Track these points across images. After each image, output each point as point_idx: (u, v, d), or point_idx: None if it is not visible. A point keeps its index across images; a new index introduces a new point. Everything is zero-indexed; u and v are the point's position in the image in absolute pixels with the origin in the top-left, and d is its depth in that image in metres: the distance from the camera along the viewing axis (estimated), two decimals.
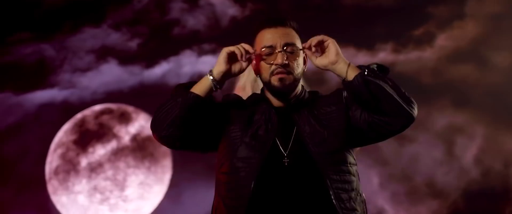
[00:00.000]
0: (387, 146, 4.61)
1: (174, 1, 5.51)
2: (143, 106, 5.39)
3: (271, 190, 1.98)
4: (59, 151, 5.33)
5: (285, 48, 2.06)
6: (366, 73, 1.97)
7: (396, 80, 2.01)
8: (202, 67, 5.28)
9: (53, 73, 5.60)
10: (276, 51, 2.06)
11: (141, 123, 5.33)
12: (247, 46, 2.07)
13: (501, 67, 4.76)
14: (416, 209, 4.73)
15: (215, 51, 5.29)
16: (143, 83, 5.40)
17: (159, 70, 5.39)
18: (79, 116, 5.43)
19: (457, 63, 4.86)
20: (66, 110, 5.48)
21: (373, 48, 4.98)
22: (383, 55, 4.91)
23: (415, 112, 2.02)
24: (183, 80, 5.30)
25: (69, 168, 5.24)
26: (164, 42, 5.51)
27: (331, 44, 2.03)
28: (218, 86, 2.06)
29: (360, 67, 2.03)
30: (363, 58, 4.87)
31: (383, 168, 4.73)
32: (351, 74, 1.98)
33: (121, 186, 5.17)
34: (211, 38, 5.36)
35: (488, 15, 4.85)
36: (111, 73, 5.48)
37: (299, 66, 2.10)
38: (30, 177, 5.43)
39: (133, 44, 5.54)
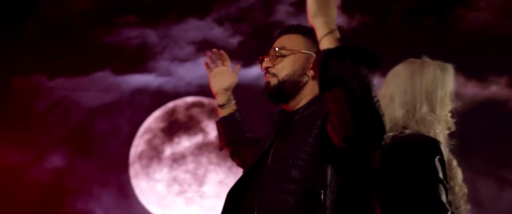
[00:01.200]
0: (485, 187, 4.27)
1: (281, 4, 5.43)
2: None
3: (228, 200, 1.84)
4: (146, 137, 5.40)
5: (276, 51, 1.92)
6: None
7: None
8: None
9: (152, 59, 5.69)
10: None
11: None
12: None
13: None
14: None
15: None
16: (238, 82, 5.34)
17: (256, 71, 5.32)
18: (170, 104, 5.48)
19: None
20: (159, 97, 5.56)
21: (485, 80, 4.66)
22: (496, 89, 4.59)
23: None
24: None
25: (153, 154, 5.30)
26: (265, 44, 5.41)
27: None
28: (222, 105, 2.35)
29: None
30: (472, 89, 4.55)
31: (478, 210, 4.39)
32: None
33: (200, 182, 5.16)
34: None
35: None
36: None
37: (285, 69, 1.88)
38: (115, 157, 5.55)
39: (234, 41, 5.53)
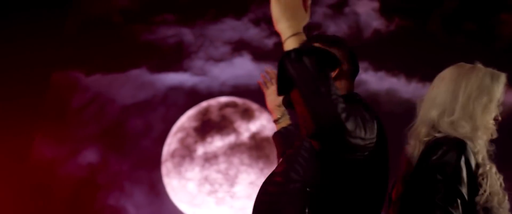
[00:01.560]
0: None
1: (319, 5, 5.41)
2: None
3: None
4: (179, 135, 5.43)
5: None
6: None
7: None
8: None
9: (188, 58, 5.74)
10: None
11: (262, 122, 5.30)
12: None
13: None
14: None
15: None
16: None
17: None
18: (204, 104, 5.51)
19: None
20: (192, 96, 5.60)
21: None
22: None
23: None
24: None
25: (185, 153, 5.32)
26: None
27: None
28: (276, 120, 2.54)
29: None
30: (510, 96, 4.42)
31: None
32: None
33: (231, 182, 5.16)
34: (351, 48, 5.18)
35: None
36: (243, 68, 5.50)
37: None
38: (147, 155, 5.61)
39: (270, 42, 5.53)
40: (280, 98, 2.28)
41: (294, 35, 1.61)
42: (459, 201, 1.77)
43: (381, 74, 5.03)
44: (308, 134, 1.50)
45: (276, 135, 2.50)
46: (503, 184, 1.89)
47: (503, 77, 1.98)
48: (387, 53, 4.68)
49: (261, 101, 5.37)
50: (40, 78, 5.72)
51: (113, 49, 5.79)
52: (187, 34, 5.79)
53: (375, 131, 1.62)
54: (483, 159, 1.86)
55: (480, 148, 1.87)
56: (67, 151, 5.64)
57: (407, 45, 4.79)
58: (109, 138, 5.70)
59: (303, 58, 1.54)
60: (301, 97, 1.50)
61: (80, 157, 5.64)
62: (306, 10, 1.67)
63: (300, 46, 1.58)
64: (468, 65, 2.02)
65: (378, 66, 5.03)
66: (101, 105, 5.80)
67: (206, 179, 5.23)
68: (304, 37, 1.61)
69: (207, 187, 5.22)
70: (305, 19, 1.66)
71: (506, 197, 1.85)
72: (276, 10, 1.61)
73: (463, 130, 1.86)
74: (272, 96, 2.57)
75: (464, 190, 1.77)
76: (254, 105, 5.41)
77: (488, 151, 1.94)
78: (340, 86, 1.79)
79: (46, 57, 5.65)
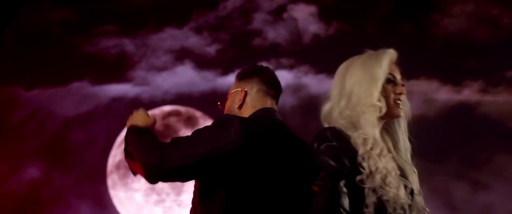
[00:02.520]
0: (458, 190, 4.36)
1: (258, 12, 5.55)
2: (211, 113, 5.41)
3: None
4: (123, 146, 5.42)
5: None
6: None
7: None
8: None
9: (130, 69, 5.77)
10: None
11: None
12: None
13: None
14: None
15: (293, 67, 5.27)
16: (215, 90, 5.44)
17: (233, 79, 5.39)
18: None
19: None
20: (136, 106, 5.57)
21: (460, 84, 4.79)
22: (468, 93, 4.72)
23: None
24: None
25: None
26: (243, 51, 5.54)
27: None
28: None
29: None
30: (446, 93, 4.67)
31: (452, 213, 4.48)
32: None
33: (178, 191, 5.21)
34: (291, 53, 5.35)
35: None
36: (185, 76, 5.57)
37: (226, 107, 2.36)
38: (92, 168, 5.60)
39: (212, 49, 5.62)
40: None
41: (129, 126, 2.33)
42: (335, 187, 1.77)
43: (321, 77, 5.18)
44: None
45: None
46: (391, 163, 1.85)
47: (385, 54, 1.97)
48: (327, 56, 4.82)
49: (204, 108, 5.46)
50: None
51: (54, 62, 5.78)
52: (129, 45, 5.82)
53: (210, 143, 1.96)
54: (364, 141, 1.85)
55: (365, 131, 1.86)
56: (7, 168, 5.57)
57: (346, 47, 4.95)
58: (51, 153, 5.66)
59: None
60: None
61: (21, 173, 5.57)
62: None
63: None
64: (356, 56, 2.03)
65: (318, 69, 5.19)
66: (42, 119, 5.76)
67: (152, 189, 5.26)
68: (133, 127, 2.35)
69: (154, 197, 5.25)
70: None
71: (393, 176, 1.81)
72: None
73: (347, 117, 1.89)
74: None
75: (337, 176, 1.77)
76: (197, 113, 5.48)
77: (384, 129, 1.99)
78: (246, 109, 2.22)
79: None
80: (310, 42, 5.37)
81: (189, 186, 5.19)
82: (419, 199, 1.93)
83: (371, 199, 1.75)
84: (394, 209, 1.78)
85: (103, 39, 5.84)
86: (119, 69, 5.79)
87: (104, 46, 5.85)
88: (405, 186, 1.84)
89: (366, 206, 1.75)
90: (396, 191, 1.78)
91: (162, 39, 5.74)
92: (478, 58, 4.75)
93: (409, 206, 1.84)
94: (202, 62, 5.58)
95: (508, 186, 4.49)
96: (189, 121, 5.42)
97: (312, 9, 5.37)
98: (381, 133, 1.95)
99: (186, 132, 5.35)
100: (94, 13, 5.88)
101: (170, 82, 5.59)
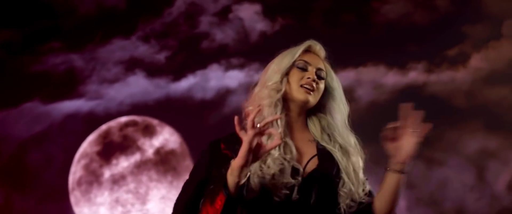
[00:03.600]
0: (414, 168, 4.58)
1: (203, 15, 5.65)
2: (167, 119, 5.51)
3: None
4: (83, 162, 5.47)
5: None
6: None
7: None
8: (229, 82, 5.39)
9: (82, 84, 5.79)
10: None
11: (165, 136, 5.44)
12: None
13: None
14: None
15: (243, 66, 5.41)
16: (169, 96, 5.52)
17: (185, 83, 5.50)
18: (104, 127, 5.58)
19: (492, 85, 4.88)
20: (91, 120, 5.65)
21: (405, 67, 5.02)
22: (414, 75, 4.95)
23: None
24: (209, 94, 5.43)
25: (92, 179, 5.38)
26: (192, 55, 5.65)
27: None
28: None
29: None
30: (394, 77, 4.90)
31: (410, 191, 4.70)
32: None
33: (143, 200, 5.27)
34: (240, 52, 5.49)
35: None
36: (138, 86, 5.63)
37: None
38: (53, 187, 5.60)
39: (161, 57, 5.69)
40: None
41: None
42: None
43: None
44: None
45: None
46: (272, 154, 1.91)
47: (302, 45, 2.08)
48: (275, 52, 4.96)
49: (160, 116, 5.53)
50: None
51: (1, 84, 5.74)
52: (77, 60, 5.83)
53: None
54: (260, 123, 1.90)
55: (264, 113, 1.94)
56: None
57: (293, 42, 5.11)
58: (9, 176, 5.63)
59: None
60: None
61: None
62: None
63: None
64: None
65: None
66: None
67: (117, 201, 5.30)
68: None
69: (119, 209, 5.30)
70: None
71: (274, 157, 1.90)
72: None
73: (257, 102, 1.98)
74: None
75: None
76: (154, 121, 5.55)
77: (315, 118, 2.08)
78: None
79: None
80: (258, 40, 5.51)
81: (153, 194, 5.28)
82: (343, 180, 1.97)
83: (254, 181, 1.85)
84: (277, 189, 1.86)
85: (50, 56, 5.83)
86: (69, 86, 5.79)
87: (51, 64, 5.83)
88: (295, 168, 1.90)
89: (252, 190, 1.85)
90: (275, 172, 1.87)
91: (111, 51, 5.76)
92: (419, 41, 4.98)
93: (300, 186, 1.89)
94: (153, 70, 5.65)
95: (460, 159, 4.75)
96: (147, 129, 5.48)
97: (256, 7, 5.51)
98: (308, 121, 2.06)
99: (145, 142, 5.42)
100: (37, 31, 5.85)
101: (123, 93, 5.63)
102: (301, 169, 1.93)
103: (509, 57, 4.86)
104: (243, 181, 1.76)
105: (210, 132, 5.12)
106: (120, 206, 5.30)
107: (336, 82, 2.10)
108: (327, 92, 2.07)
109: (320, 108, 2.08)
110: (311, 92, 1.99)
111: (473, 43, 4.98)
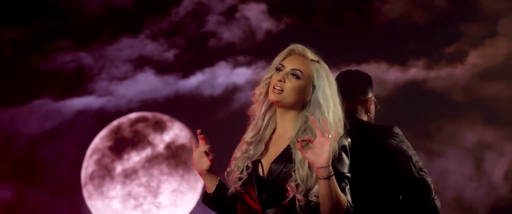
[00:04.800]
0: None
1: (210, 14, 5.83)
2: (177, 115, 5.69)
3: None
4: (95, 157, 5.65)
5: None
6: None
7: None
8: (236, 79, 5.58)
9: (91, 81, 5.95)
10: None
11: (175, 132, 5.64)
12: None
13: None
14: None
15: (250, 63, 5.60)
16: (178, 93, 5.71)
17: (194, 80, 5.69)
18: (115, 123, 5.76)
19: (488, 80, 5.08)
20: (101, 117, 5.82)
21: (405, 64, 5.23)
22: (415, 72, 5.16)
23: None
24: (217, 91, 5.63)
25: (104, 173, 5.56)
26: (200, 53, 5.82)
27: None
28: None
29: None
30: (395, 74, 5.12)
31: None
32: None
33: (155, 193, 5.47)
34: (247, 50, 5.68)
35: None
36: (147, 83, 5.80)
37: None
38: (65, 182, 5.78)
39: (170, 55, 5.86)
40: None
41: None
42: None
43: None
44: None
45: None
46: (244, 146, 2.21)
47: (285, 49, 2.24)
48: (280, 50, 5.14)
49: (170, 112, 5.74)
50: None
51: (11, 82, 5.89)
52: (86, 58, 5.99)
53: None
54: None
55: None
56: None
57: (297, 41, 5.32)
58: (21, 172, 5.78)
59: None
60: None
61: None
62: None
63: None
64: None
65: None
66: (6, 140, 5.87)
67: (129, 194, 5.50)
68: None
69: (132, 202, 5.50)
70: None
71: (239, 158, 2.18)
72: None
73: None
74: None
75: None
76: (164, 117, 5.74)
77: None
78: None
79: None
80: (264, 39, 5.71)
81: (165, 188, 5.50)
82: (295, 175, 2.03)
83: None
84: (230, 183, 2.17)
85: (58, 55, 5.99)
86: (79, 83, 5.95)
87: (60, 62, 5.99)
88: (248, 165, 2.13)
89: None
90: (232, 170, 2.17)
91: (119, 49, 5.94)
92: (419, 39, 5.19)
93: (249, 181, 2.10)
94: (162, 68, 5.83)
95: (459, 151, 4.98)
96: (157, 125, 5.68)
97: (262, 7, 5.71)
98: (296, 117, 2.15)
99: (155, 137, 5.63)
100: (46, 30, 6.00)
101: (133, 90, 5.81)
102: (250, 165, 2.12)
103: (504, 54, 5.07)
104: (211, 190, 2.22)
105: (219, 127, 5.36)
106: (132, 199, 5.50)
107: (323, 79, 2.13)
108: (314, 90, 2.12)
109: (306, 104, 2.14)
110: (279, 92, 2.09)
111: (470, 41, 5.20)
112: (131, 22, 5.99)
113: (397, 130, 2.48)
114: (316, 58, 2.18)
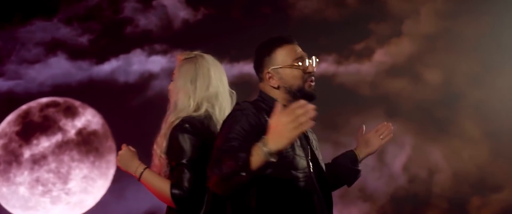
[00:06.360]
0: (324, 152, 5.05)
1: (127, 1, 5.82)
2: (91, 101, 5.65)
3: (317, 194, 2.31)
4: (1, 142, 5.52)
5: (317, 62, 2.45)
6: None
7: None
8: (152, 67, 5.61)
9: (0, 64, 5.79)
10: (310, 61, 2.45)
11: (87, 118, 5.60)
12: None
13: (432, 83, 5.31)
14: (348, 211, 5.22)
15: (166, 52, 5.64)
16: (92, 78, 5.67)
17: (108, 67, 5.69)
18: (23, 107, 5.66)
19: (393, 77, 5.39)
20: (10, 100, 5.68)
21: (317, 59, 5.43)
22: (325, 66, 5.39)
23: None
24: (131, 78, 5.63)
25: (11, 159, 5.45)
26: (116, 40, 5.81)
27: None
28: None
29: None
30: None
31: None
32: None
33: (64, 179, 5.42)
34: (163, 38, 5.72)
35: (422, 34, 5.41)
36: (60, 67, 5.73)
37: None
38: None
39: (84, 39, 5.82)
40: None
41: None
42: None
43: None
44: None
45: None
46: None
47: None
48: (197, 40, 5.24)
49: (82, 97, 5.69)
50: None
51: None
52: None
53: None
54: None
55: None
56: None
57: (214, 31, 5.44)
58: None
59: None
60: None
61: None
62: None
63: None
64: None
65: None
66: None
67: (37, 180, 5.42)
68: None
69: (40, 188, 5.42)
70: None
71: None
72: None
73: None
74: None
75: None
76: (76, 102, 5.69)
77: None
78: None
79: None
80: (181, 27, 5.78)
81: (75, 174, 5.46)
82: None
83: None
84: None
85: None
86: None
87: None
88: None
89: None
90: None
91: (31, 32, 5.83)
92: (330, 35, 5.44)
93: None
94: (75, 53, 5.78)
95: None
96: (69, 110, 5.62)
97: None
98: None
99: (67, 122, 5.56)
100: None
101: (44, 74, 5.72)
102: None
103: (408, 53, 5.39)
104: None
105: (132, 113, 5.38)
106: (40, 185, 5.42)
107: None
108: None
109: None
110: None
111: (377, 39, 5.49)
112: (45, 4, 5.87)
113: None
114: None
